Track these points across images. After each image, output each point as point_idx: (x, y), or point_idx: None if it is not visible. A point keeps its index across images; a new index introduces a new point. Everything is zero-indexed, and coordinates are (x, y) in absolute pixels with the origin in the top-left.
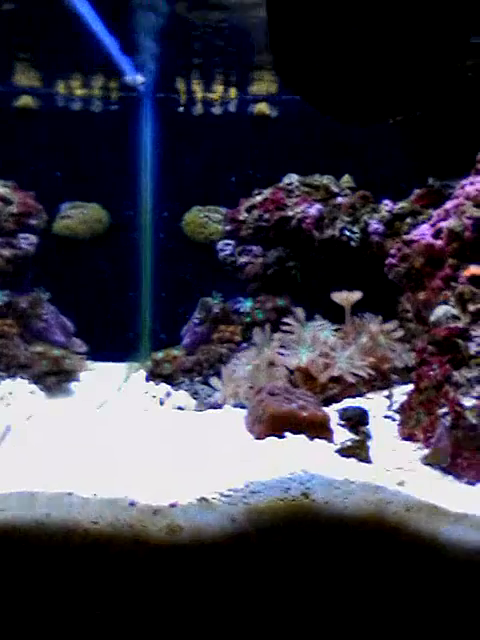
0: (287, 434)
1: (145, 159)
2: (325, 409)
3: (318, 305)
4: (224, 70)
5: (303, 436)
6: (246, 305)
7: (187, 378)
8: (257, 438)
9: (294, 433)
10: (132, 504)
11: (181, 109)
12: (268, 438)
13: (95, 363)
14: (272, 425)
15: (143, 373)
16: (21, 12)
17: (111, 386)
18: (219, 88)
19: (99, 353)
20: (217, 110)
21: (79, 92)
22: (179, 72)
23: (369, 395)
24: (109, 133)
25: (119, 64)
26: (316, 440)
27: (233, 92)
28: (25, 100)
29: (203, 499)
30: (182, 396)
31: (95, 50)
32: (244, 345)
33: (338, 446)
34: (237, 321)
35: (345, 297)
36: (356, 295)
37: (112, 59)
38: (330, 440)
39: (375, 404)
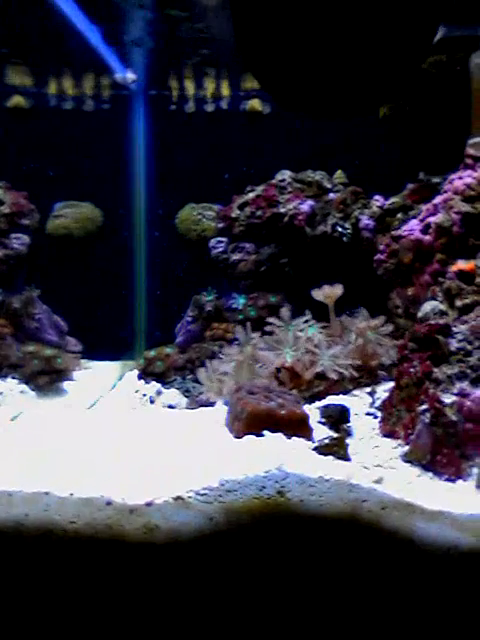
0: (265, 432)
1: (138, 157)
2: (308, 406)
3: (311, 301)
4: (216, 67)
5: (281, 434)
6: (240, 302)
7: (179, 376)
8: (236, 436)
9: (272, 431)
10: (108, 503)
11: (173, 106)
12: (247, 436)
13: (91, 362)
14: (251, 423)
15: (136, 372)
16: (10, 12)
17: (104, 385)
18: (211, 85)
19: (95, 351)
20: (209, 107)
21: (71, 91)
22: (171, 69)
23: (355, 392)
24: (101, 131)
25: (109, 63)
26: (294, 438)
27: (225, 89)
28: (17, 100)
29: (179, 498)
30: (173, 394)
31: (85, 49)
32: (236, 342)
33: (316, 444)
34: (230, 318)
35: (326, 294)
36: (337, 290)
37: (102, 58)
38: (309, 438)
39: (359, 401)
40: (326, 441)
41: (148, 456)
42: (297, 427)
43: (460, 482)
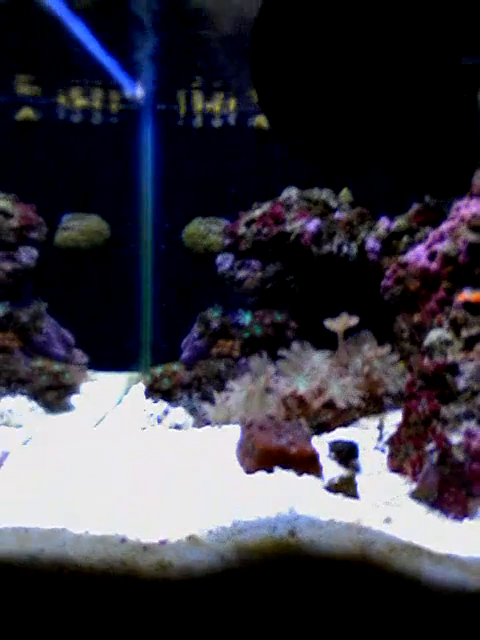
0: (276, 469)
1: (145, 171)
2: (316, 438)
3: (316, 320)
4: (224, 83)
5: (292, 472)
6: (246, 318)
7: (185, 394)
8: (247, 472)
9: (283, 468)
10: (123, 540)
11: (181, 122)
12: (258, 472)
13: (97, 373)
14: (262, 460)
15: (143, 385)
16: (21, 27)
17: (110, 399)
18: (219, 101)
19: (101, 363)
20: (217, 122)
21: (79, 104)
22: (179, 84)
23: (362, 421)
24: (110, 145)
25: (119, 79)
26: (305, 476)
27: (232, 105)
28: (26, 112)
29: (192, 537)
30: (180, 413)
31: (94, 65)
32: (243, 361)
33: (326, 483)
34: (236, 335)
35: (338, 324)
36: (351, 321)
37: (111, 74)
38: (319, 475)
39: (366, 434)
40: (336, 480)
41: (161, 489)
42: (307, 464)
43: (466, 520)
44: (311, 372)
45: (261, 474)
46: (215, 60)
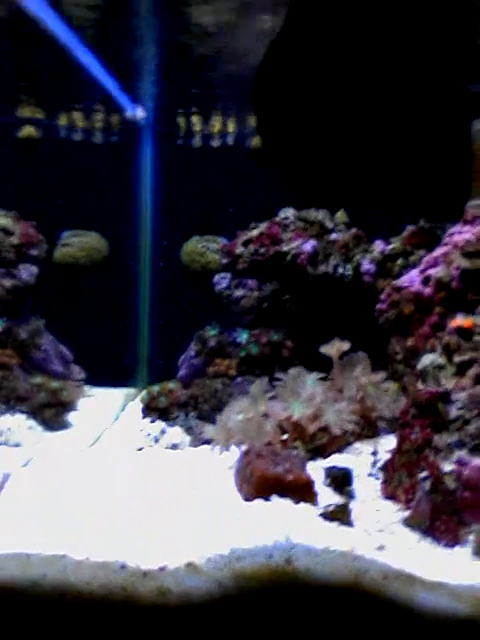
0: (273, 497)
1: (145, 189)
2: (312, 463)
3: (312, 339)
4: (223, 104)
5: (288, 500)
6: (243, 337)
7: (182, 412)
8: (245, 499)
9: (280, 496)
10: (123, 567)
11: (180, 141)
12: (255, 500)
13: (94, 388)
14: (259, 488)
15: (139, 401)
16: (23, 48)
17: (107, 416)
18: (217, 121)
19: (98, 378)
20: (215, 142)
21: (81, 123)
22: (179, 105)
23: (357, 445)
24: (110, 163)
25: (119, 100)
26: (301, 503)
27: (231, 125)
28: (28, 130)
29: (191, 564)
30: (176, 433)
31: (95, 87)
32: (239, 380)
33: (322, 510)
34: (233, 353)
35: (333, 349)
36: (343, 346)
37: (112, 96)
38: (314, 502)
39: (361, 459)
40: (331, 508)
41: (160, 514)
42: (303, 492)
43: (457, 548)
44: (307, 398)
45: (258, 501)
46: (214, 84)
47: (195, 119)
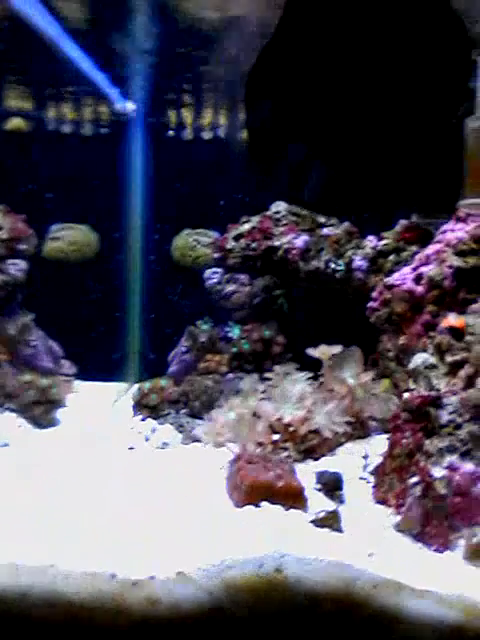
0: (264, 503)
1: (135, 182)
2: (303, 466)
3: (304, 335)
4: (214, 96)
5: (279, 506)
6: (235, 332)
7: (173, 409)
8: (236, 505)
9: (271, 502)
10: (113, 576)
11: (171, 133)
12: (246, 507)
13: (83, 383)
14: (250, 495)
15: (130, 395)
16: (10, 41)
17: (97, 412)
18: (209, 113)
19: (87, 372)
20: (207, 135)
21: (70, 115)
22: (169, 97)
23: (348, 445)
24: (100, 156)
25: (109, 93)
26: (291, 510)
27: (223, 117)
28: (16, 122)
29: (181, 573)
30: (168, 431)
31: (84, 80)
32: (230, 376)
33: (312, 517)
34: (225, 349)
35: (323, 351)
36: (332, 350)
37: (101, 89)
38: (305, 509)
39: (352, 461)
40: (322, 514)
41: (151, 521)
42: (294, 499)
43: (448, 553)
44: (297, 400)
45: (249, 508)
46: (206, 76)
47: (186, 111)
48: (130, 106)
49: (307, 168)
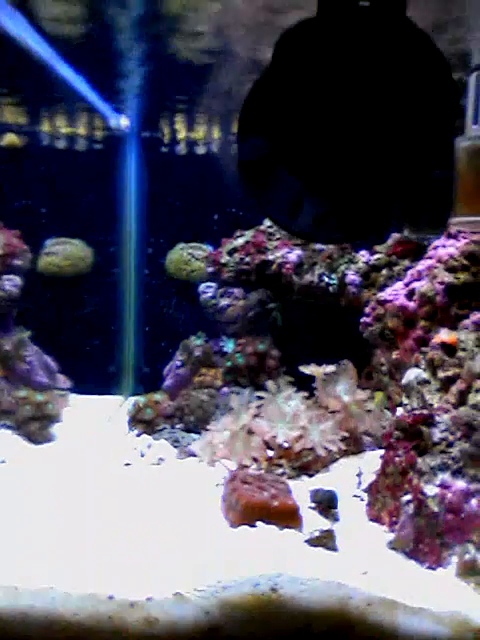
0: (259, 523)
1: (129, 197)
2: (298, 483)
3: (298, 349)
4: (207, 110)
5: (274, 526)
6: (229, 346)
7: (168, 424)
8: (231, 526)
9: (266, 523)
10: (111, 597)
11: (164, 148)
12: (241, 527)
13: (78, 396)
14: (245, 515)
15: (125, 409)
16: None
17: (91, 427)
18: (202, 128)
19: (82, 386)
20: (200, 150)
21: (64, 130)
22: (163, 112)
23: (342, 460)
24: (94, 171)
25: (103, 109)
26: (286, 529)
27: (216, 132)
28: (10, 138)
29: (178, 593)
30: (163, 446)
31: (79, 97)
32: (225, 390)
33: (307, 536)
34: (219, 363)
35: (316, 369)
36: (327, 368)
37: (95, 105)
38: (300, 528)
39: (346, 477)
40: (316, 534)
41: (147, 541)
42: (289, 518)
43: (440, 570)
44: (291, 419)
45: (244, 528)
46: (199, 91)
47: (180, 126)
48: (124, 121)
49: (299, 201)
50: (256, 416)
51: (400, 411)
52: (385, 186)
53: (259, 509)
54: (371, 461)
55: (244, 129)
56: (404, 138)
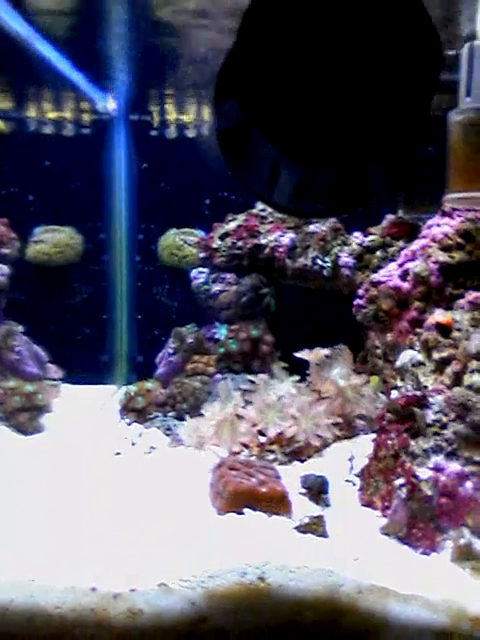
0: (247, 510)
1: (119, 182)
2: (289, 468)
3: (292, 333)
4: (197, 93)
5: (262, 513)
6: (222, 332)
7: (160, 412)
8: (218, 513)
9: (254, 509)
10: (93, 589)
11: (154, 132)
12: (229, 514)
13: (69, 386)
14: (232, 502)
15: (117, 398)
16: None
17: (82, 418)
18: (192, 111)
19: (74, 375)
20: (191, 133)
21: (51, 115)
22: (152, 95)
23: (335, 445)
24: (82, 156)
25: (89, 91)
26: (275, 516)
27: (206, 114)
28: None
29: (163, 584)
30: (154, 434)
31: (65, 79)
32: (218, 376)
33: (296, 523)
34: (212, 350)
35: (311, 354)
36: (320, 352)
37: (82, 88)
38: (289, 514)
39: (338, 462)
40: (306, 520)
41: (133, 531)
42: (278, 505)
43: (434, 554)
44: (282, 407)
45: (232, 516)
46: (188, 73)
47: (169, 108)
48: (111, 104)
49: (276, 168)
50: (246, 402)
51: (394, 394)
52: (363, 149)
53: (247, 496)
54: (364, 445)
55: (219, 95)
56: (383, 99)
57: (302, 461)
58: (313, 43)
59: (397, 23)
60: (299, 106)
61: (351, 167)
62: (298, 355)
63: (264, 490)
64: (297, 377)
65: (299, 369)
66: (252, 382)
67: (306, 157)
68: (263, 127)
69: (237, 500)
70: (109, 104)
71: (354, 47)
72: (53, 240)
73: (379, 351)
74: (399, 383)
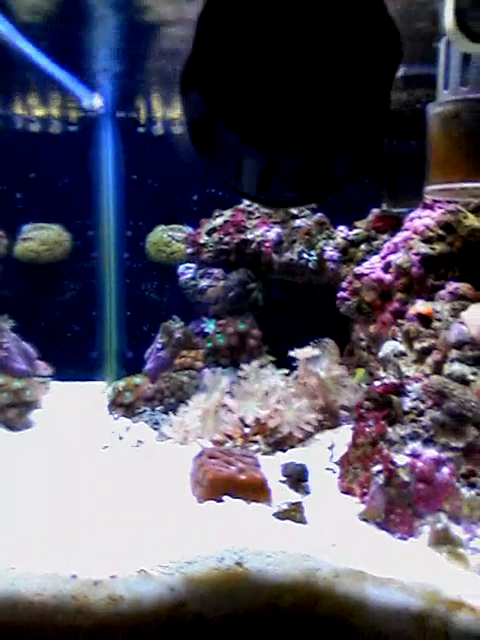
0: (226, 498)
1: (107, 179)
2: (271, 458)
3: (280, 327)
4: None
5: (241, 500)
6: (210, 326)
7: (148, 407)
8: (198, 501)
9: (233, 497)
10: (73, 577)
11: (141, 129)
12: (208, 502)
13: (59, 383)
14: (212, 490)
15: (107, 394)
16: None
17: (71, 414)
18: (179, 107)
19: (63, 372)
20: (177, 129)
21: (37, 113)
22: (138, 92)
23: (318, 436)
24: (69, 154)
25: (76, 90)
26: (254, 503)
27: None
28: None
29: (142, 570)
30: (142, 429)
31: (51, 78)
32: (206, 371)
33: (275, 509)
34: (200, 344)
35: (302, 352)
36: (312, 351)
37: (68, 86)
38: (268, 502)
39: (320, 451)
40: (284, 506)
41: (113, 520)
42: (257, 492)
43: (412, 539)
44: (261, 397)
45: (211, 503)
46: (174, 69)
47: (156, 105)
48: (98, 102)
49: (240, 155)
50: (229, 394)
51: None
52: (324, 137)
53: (226, 483)
54: (346, 434)
55: (184, 85)
56: (342, 87)
57: (284, 451)
58: (273, 32)
59: (355, 14)
60: (258, 94)
61: (314, 155)
62: (292, 354)
63: (243, 478)
64: (285, 371)
65: (287, 363)
66: (241, 372)
67: (266, 143)
68: (224, 115)
69: (216, 488)
70: (96, 101)
71: (313, 37)
72: (41, 237)
73: (364, 343)
74: (382, 374)
